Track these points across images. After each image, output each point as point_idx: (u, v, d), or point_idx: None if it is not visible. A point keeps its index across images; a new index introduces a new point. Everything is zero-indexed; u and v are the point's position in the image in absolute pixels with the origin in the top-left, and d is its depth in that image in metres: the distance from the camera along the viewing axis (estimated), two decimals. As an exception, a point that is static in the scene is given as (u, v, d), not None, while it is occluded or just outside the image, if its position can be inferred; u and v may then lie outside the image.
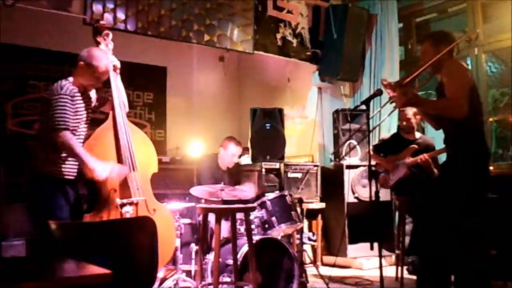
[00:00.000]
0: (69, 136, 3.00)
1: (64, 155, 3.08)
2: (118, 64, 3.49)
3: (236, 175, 4.77)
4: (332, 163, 5.80)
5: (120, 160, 3.30)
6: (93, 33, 3.49)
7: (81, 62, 3.16)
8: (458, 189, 2.95)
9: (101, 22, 3.56)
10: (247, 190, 4.27)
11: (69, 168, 3.13)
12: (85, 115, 3.21)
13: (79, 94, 3.14)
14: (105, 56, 3.26)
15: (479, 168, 2.98)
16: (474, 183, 2.94)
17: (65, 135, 2.98)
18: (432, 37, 3.22)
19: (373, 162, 4.44)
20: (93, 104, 3.35)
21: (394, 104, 3.20)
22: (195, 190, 3.74)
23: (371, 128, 4.06)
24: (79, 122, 3.15)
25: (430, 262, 3.01)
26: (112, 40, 3.52)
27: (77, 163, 3.14)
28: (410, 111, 4.48)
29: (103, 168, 3.07)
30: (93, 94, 3.35)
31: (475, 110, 2.98)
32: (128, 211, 3.19)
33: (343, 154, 5.56)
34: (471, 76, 3.20)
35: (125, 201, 3.22)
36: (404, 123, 4.61)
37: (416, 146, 4.39)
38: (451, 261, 2.97)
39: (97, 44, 3.44)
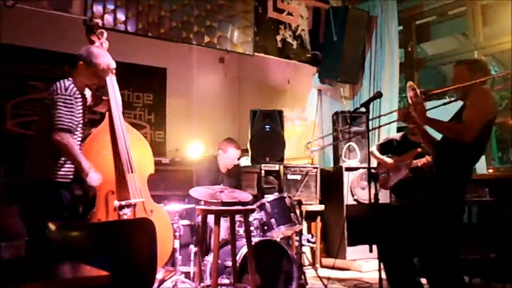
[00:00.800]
0: (68, 136, 2.96)
1: (62, 158, 3.04)
2: (114, 64, 3.40)
3: (235, 177, 4.77)
4: (311, 153, 5.79)
5: (117, 161, 3.28)
6: (86, 31, 3.40)
7: (80, 62, 3.11)
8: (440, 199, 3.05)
9: (95, 20, 3.46)
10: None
11: (66, 171, 3.08)
12: (83, 116, 3.18)
13: (80, 95, 3.11)
14: (104, 53, 3.20)
15: (460, 188, 3.09)
16: (454, 199, 3.06)
17: (65, 136, 2.95)
18: (470, 64, 3.22)
19: (373, 163, 4.44)
20: (88, 104, 3.31)
21: (394, 111, 3.24)
22: (195, 192, 3.73)
23: (370, 131, 4.07)
24: (77, 124, 3.11)
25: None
26: (108, 40, 3.44)
27: (73, 166, 3.10)
28: None
29: (96, 176, 3.06)
30: (88, 93, 3.29)
31: (481, 142, 3.02)
32: (126, 213, 3.16)
33: (342, 155, 5.56)
34: (496, 108, 3.22)
35: (123, 203, 3.20)
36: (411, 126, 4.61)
37: (420, 149, 4.39)
38: (425, 260, 3.04)
39: (91, 43, 3.35)
